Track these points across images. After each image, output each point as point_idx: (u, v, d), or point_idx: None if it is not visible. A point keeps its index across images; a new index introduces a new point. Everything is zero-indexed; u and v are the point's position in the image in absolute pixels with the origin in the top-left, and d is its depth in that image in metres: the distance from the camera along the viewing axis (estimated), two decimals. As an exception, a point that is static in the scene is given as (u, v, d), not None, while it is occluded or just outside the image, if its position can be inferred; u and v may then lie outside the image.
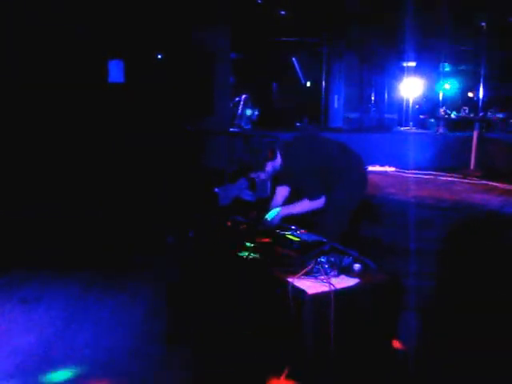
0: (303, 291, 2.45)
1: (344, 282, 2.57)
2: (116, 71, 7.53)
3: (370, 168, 8.14)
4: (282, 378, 2.65)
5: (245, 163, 3.60)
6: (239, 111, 10.85)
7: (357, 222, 4.66)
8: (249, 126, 10.70)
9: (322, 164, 3.59)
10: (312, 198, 3.52)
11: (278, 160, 3.58)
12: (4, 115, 6.11)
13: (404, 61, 11.77)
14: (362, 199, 3.84)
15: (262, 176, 3.63)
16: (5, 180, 5.49)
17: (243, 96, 11.02)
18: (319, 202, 3.53)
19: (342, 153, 3.75)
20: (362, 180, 3.77)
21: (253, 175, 3.65)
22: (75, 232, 5.63)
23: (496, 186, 6.07)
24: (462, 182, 6.53)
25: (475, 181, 6.63)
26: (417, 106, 11.70)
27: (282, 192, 3.91)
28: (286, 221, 3.59)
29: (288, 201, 3.84)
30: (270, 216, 3.61)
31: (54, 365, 2.98)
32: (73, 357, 3.07)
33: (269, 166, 3.56)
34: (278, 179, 3.90)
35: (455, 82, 12.99)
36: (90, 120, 7.19)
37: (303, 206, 3.57)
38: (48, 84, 6.96)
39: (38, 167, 6.47)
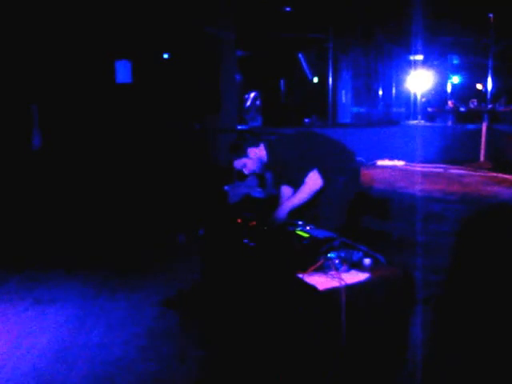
0: (314, 287, 2.45)
1: (355, 277, 2.57)
2: (123, 72, 7.57)
3: (380, 162, 8.13)
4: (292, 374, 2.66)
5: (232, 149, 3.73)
6: (248, 111, 10.89)
7: (366, 216, 4.68)
8: (256, 123, 10.71)
9: (317, 156, 3.66)
10: (304, 174, 3.55)
11: (262, 149, 3.67)
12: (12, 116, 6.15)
13: (411, 54, 11.70)
14: (358, 192, 3.93)
15: (249, 166, 3.71)
16: (15, 179, 5.55)
17: (252, 93, 11.04)
18: (316, 181, 3.56)
19: (337, 149, 3.86)
20: (356, 174, 3.88)
21: (238, 164, 3.73)
22: (87, 232, 5.68)
23: (506, 178, 6.04)
24: (472, 175, 6.49)
25: (485, 173, 6.59)
26: (423, 99, 11.62)
27: (287, 190, 3.94)
28: (293, 216, 3.60)
29: None
30: (277, 212, 3.63)
31: (68, 364, 3.01)
32: (87, 356, 3.11)
33: (252, 153, 3.65)
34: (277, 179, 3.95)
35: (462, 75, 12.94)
36: (99, 120, 7.23)
37: (304, 190, 3.61)
38: (55, 85, 7.00)
39: (47, 166, 6.51)
